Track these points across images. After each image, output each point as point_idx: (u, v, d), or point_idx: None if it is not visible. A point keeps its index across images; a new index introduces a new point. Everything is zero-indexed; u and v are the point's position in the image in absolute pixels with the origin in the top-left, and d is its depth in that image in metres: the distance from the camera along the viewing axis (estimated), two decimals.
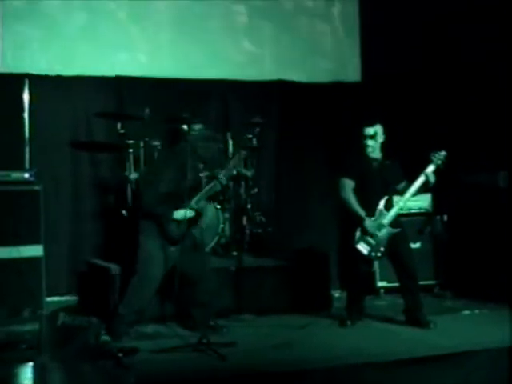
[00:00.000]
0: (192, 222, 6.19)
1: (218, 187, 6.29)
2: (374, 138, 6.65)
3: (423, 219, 8.28)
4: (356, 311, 6.82)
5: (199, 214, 6.23)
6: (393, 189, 6.70)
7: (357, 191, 6.65)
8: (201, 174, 6.51)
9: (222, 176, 6.27)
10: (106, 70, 8.19)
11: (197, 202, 6.18)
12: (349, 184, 6.66)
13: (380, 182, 6.63)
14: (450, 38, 8.42)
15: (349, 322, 6.73)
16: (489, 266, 7.64)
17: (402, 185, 6.68)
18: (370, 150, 6.66)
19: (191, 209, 6.12)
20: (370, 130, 6.65)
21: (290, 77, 8.93)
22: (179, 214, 6.08)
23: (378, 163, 6.70)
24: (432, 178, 6.54)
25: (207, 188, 6.27)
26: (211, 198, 6.56)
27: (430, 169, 6.52)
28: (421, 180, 6.55)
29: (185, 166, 6.05)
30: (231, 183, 7.96)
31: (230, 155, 7.72)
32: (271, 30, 8.87)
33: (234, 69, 8.67)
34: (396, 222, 6.62)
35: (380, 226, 6.55)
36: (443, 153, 6.55)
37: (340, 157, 8.74)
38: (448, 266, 8.19)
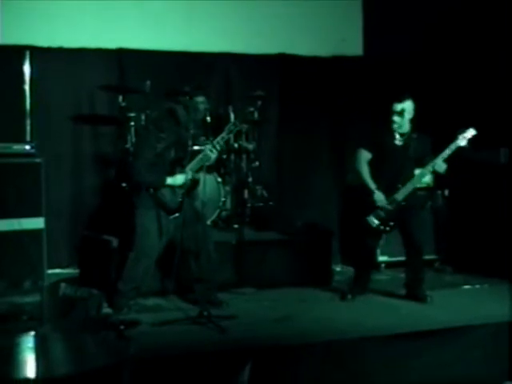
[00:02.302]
0: (189, 189, 6.20)
1: (214, 153, 6.25)
2: (402, 114, 6.52)
3: (425, 194, 8.27)
4: (361, 285, 6.84)
5: (195, 180, 6.22)
6: (413, 166, 6.61)
7: (377, 164, 6.62)
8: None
9: (218, 141, 6.27)
10: (108, 42, 8.14)
11: (191, 169, 6.18)
12: (365, 155, 6.64)
13: (401, 158, 6.55)
14: (450, 16, 8.37)
15: (349, 296, 6.75)
16: (489, 241, 7.65)
17: (427, 159, 6.53)
18: (396, 126, 6.56)
19: (186, 174, 6.12)
20: (397, 106, 6.53)
21: (291, 50, 8.89)
22: (171, 179, 6.08)
23: (403, 139, 6.60)
24: (441, 169, 6.46)
25: (201, 155, 6.24)
26: (208, 167, 6.50)
27: (440, 159, 6.40)
28: (427, 169, 6.50)
29: (173, 134, 6.10)
30: (232, 156, 7.97)
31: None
32: (273, 3, 8.79)
33: (236, 42, 8.62)
34: (411, 197, 6.59)
35: (392, 201, 6.53)
36: (471, 131, 6.40)
37: (341, 132, 8.82)
38: (448, 241, 8.20)
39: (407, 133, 6.60)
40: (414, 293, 6.67)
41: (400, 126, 6.56)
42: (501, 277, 7.21)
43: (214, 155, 6.25)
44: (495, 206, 7.70)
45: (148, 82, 7.40)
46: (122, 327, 5.47)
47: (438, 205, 8.34)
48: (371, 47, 9.15)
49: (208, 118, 7.75)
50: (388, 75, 8.59)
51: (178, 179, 6.11)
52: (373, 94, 8.58)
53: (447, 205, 8.34)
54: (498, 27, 7.72)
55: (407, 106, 6.55)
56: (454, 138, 6.42)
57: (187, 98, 6.26)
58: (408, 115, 6.56)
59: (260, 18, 8.76)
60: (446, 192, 8.33)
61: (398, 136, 6.60)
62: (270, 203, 8.18)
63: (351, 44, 9.18)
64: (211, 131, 7.40)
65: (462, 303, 6.61)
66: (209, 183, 7.20)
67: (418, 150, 6.54)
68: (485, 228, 7.78)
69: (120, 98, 7.67)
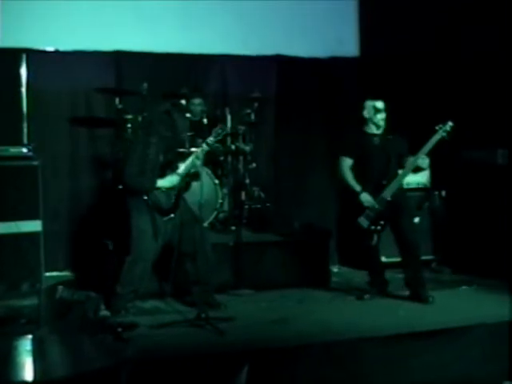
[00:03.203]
0: (182, 190, 6.17)
1: (198, 160, 6.21)
2: (384, 111, 6.62)
3: (422, 194, 8.28)
4: (377, 287, 6.85)
5: (187, 181, 6.21)
6: (396, 163, 6.65)
7: (358, 167, 6.66)
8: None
9: (212, 138, 6.26)
10: (104, 44, 8.14)
11: (184, 169, 6.17)
12: (346, 162, 6.69)
13: (381, 157, 6.59)
14: (449, 16, 8.37)
15: (366, 296, 6.77)
16: (487, 242, 7.64)
17: (409, 159, 6.58)
18: (382, 123, 6.63)
19: (178, 175, 6.12)
20: (379, 104, 6.64)
21: (287, 51, 8.88)
22: (164, 181, 6.08)
23: (379, 138, 6.67)
24: (424, 165, 6.56)
25: (194, 155, 6.23)
26: (194, 174, 6.49)
27: (421, 154, 6.47)
28: (410, 165, 6.53)
29: (164, 137, 6.09)
30: (229, 158, 7.97)
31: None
32: (269, 4, 8.79)
33: (233, 43, 8.62)
34: (399, 196, 6.61)
35: (380, 200, 6.54)
36: (449, 124, 6.49)
37: (338, 133, 8.79)
38: (446, 242, 8.20)
39: (381, 133, 6.68)
40: (417, 292, 6.65)
41: (383, 123, 6.64)
42: (499, 277, 7.19)
43: (198, 162, 6.22)
44: (493, 207, 7.69)
45: (145, 84, 7.41)
46: (119, 329, 5.45)
47: (435, 205, 8.34)
48: (368, 48, 9.14)
49: (205, 120, 7.76)
50: (385, 75, 8.58)
51: (169, 181, 6.10)
52: (369, 95, 8.56)
53: (444, 205, 8.34)
54: (497, 27, 7.71)
55: (384, 103, 6.67)
56: (434, 132, 6.49)
57: (184, 99, 6.25)
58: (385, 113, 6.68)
59: (256, 19, 8.75)
60: (444, 193, 8.33)
61: (373, 137, 6.67)
62: (268, 204, 8.18)
63: (348, 45, 9.19)
64: (208, 133, 7.39)
65: (460, 304, 6.60)
66: (206, 185, 7.19)
67: (395, 151, 6.61)
68: (482, 228, 7.76)
69: (117, 100, 7.68)
